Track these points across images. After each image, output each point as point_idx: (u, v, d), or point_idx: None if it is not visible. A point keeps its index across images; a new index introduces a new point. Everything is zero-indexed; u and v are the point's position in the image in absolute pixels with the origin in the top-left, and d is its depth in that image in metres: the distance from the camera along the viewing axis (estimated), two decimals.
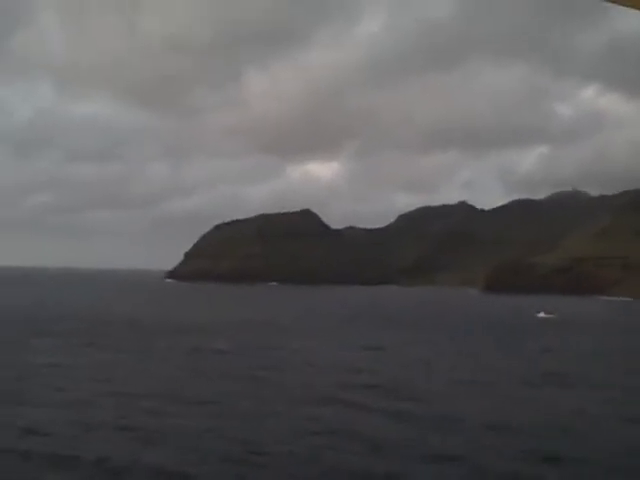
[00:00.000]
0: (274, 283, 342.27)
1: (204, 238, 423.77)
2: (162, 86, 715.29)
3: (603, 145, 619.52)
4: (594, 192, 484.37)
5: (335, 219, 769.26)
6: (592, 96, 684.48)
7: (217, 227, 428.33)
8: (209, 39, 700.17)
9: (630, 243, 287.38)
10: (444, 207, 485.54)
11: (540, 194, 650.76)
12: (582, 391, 39.86)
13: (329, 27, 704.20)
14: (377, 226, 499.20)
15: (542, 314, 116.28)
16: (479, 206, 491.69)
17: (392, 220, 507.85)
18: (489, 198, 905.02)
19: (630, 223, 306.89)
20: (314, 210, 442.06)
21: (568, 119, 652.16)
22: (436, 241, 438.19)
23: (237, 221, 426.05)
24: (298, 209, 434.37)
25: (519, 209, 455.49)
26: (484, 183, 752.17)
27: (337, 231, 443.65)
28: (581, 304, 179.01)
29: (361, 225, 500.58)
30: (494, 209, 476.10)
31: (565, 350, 62.91)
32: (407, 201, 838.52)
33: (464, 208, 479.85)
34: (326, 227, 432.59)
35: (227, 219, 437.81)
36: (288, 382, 41.53)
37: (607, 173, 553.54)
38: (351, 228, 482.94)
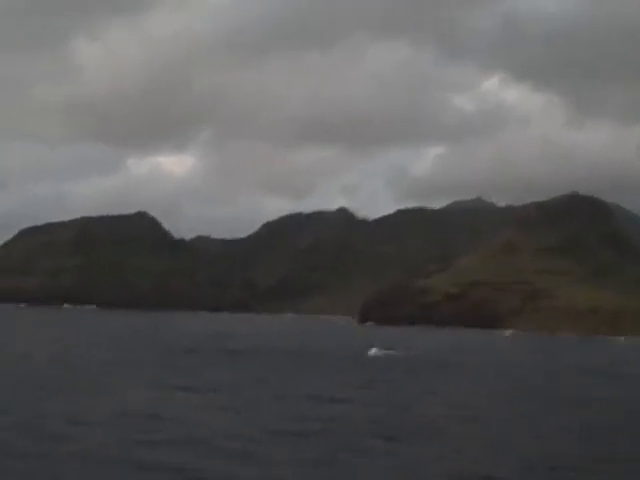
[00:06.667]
0: (92, 306, 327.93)
1: (6, 247, 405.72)
2: None
3: (509, 145, 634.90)
4: (500, 202, 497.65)
5: (186, 226, 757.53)
6: (495, 87, 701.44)
7: (24, 232, 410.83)
8: None
9: (537, 263, 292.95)
10: (319, 214, 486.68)
11: (437, 203, 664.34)
12: None
13: None
14: (236, 236, 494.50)
15: (374, 350, 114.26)
16: (362, 215, 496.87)
17: (255, 229, 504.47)
18: (374, 206, 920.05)
19: (538, 238, 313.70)
20: (159, 214, 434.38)
21: (468, 114, 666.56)
22: (308, 257, 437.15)
23: (50, 225, 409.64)
24: (132, 212, 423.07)
25: (410, 220, 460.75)
26: (369, 187, 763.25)
27: (182, 241, 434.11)
28: (460, 339, 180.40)
29: (216, 234, 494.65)
30: (379, 219, 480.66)
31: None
32: (275, 206, 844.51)
33: (343, 217, 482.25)
34: (167, 235, 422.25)
35: (40, 223, 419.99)
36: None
37: (514, 179, 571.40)
38: (203, 238, 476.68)
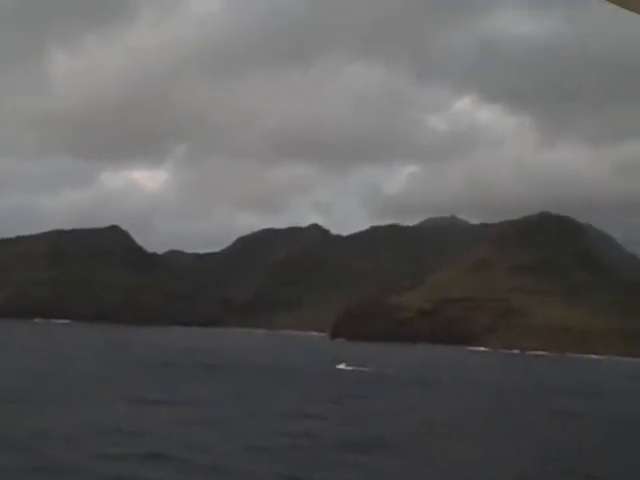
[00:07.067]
0: (65, 320, 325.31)
1: None
2: None
3: (483, 165, 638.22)
4: (474, 220, 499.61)
5: (159, 240, 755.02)
6: (469, 107, 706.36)
7: None
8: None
9: (510, 281, 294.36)
10: (293, 230, 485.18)
11: (411, 221, 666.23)
12: None
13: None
14: (210, 250, 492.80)
15: (342, 365, 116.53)
16: (335, 231, 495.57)
17: (228, 244, 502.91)
18: (348, 223, 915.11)
19: (511, 257, 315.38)
20: (132, 229, 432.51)
21: (441, 133, 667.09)
22: (281, 272, 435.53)
23: (22, 238, 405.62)
24: (105, 225, 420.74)
25: (384, 236, 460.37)
26: (343, 205, 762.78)
27: (155, 256, 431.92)
28: (432, 355, 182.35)
29: (190, 249, 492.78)
30: (353, 235, 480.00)
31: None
32: (248, 222, 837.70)
33: (317, 233, 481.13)
34: (140, 249, 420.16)
35: (12, 235, 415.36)
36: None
37: (488, 198, 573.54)
38: (176, 252, 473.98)
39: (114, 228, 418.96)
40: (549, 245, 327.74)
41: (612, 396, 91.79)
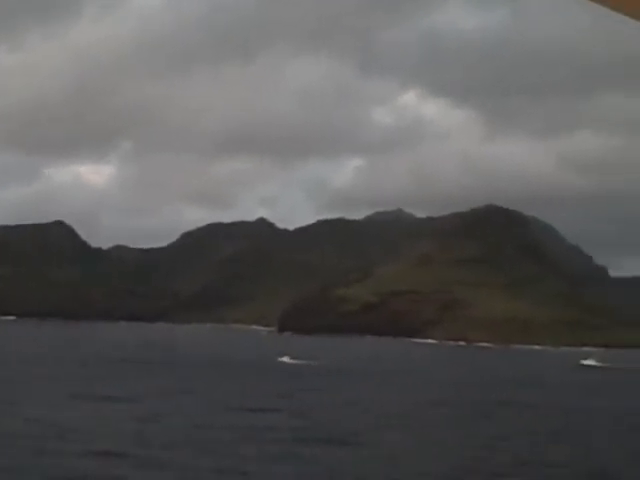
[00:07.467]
0: (10, 317, 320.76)
1: None
2: None
3: (429, 158, 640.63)
4: (420, 213, 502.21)
5: (104, 235, 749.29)
6: (414, 101, 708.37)
7: None
8: None
9: (455, 273, 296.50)
10: (239, 224, 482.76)
11: (358, 214, 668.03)
12: None
13: None
14: (155, 245, 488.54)
15: (285, 359, 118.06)
16: (282, 225, 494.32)
17: (175, 239, 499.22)
18: (295, 216, 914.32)
19: (456, 249, 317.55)
20: (76, 224, 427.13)
21: (387, 127, 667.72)
22: (227, 266, 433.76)
23: None
24: (49, 221, 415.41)
25: (330, 230, 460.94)
26: (289, 199, 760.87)
27: (100, 251, 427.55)
28: (377, 348, 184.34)
29: (135, 244, 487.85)
30: (299, 229, 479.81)
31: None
32: (195, 216, 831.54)
33: (263, 227, 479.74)
34: (85, 245, 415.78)
35: None
36: None
37: (434, 192, 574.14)
38: (121, 247, 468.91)
39: (59, 223, 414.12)
40: (494, 237, 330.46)
41: (556, 387, 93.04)
